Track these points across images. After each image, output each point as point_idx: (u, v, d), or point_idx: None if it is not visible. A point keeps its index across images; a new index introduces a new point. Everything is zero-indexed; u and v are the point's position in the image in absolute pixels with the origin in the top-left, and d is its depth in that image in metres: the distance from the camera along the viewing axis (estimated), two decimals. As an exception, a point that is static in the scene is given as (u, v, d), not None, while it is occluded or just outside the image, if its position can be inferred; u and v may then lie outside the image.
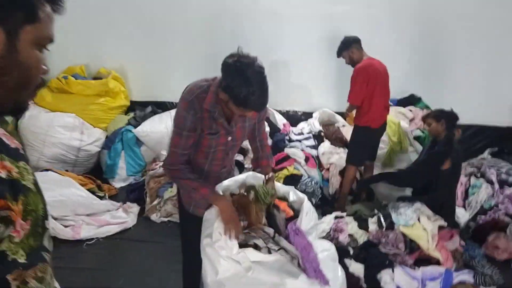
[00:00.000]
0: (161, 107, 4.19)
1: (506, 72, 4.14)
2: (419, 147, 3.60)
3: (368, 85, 3.02)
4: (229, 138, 1.66)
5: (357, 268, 2.59)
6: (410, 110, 3.80)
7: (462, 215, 3.23)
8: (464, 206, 3.35)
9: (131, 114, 4.06)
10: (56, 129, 3.52)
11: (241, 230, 1.57)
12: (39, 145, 3.45)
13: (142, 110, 4.10)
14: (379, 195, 3.52)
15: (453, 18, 4.00)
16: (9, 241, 0.62)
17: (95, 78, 4.05)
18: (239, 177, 1.76)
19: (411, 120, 3.72)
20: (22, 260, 0.64)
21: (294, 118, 4.21)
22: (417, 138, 3.66)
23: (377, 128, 3.18)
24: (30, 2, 0.65)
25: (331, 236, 2.76)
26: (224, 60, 1.46)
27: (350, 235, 2.79)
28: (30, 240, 0.66)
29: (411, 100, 3.97)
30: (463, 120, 4.25)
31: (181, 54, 4.20)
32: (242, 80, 1.40)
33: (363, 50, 3.16)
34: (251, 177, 1.75)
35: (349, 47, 3.13)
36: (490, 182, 3.30)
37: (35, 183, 0.73)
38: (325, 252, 1.64)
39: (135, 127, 3.82)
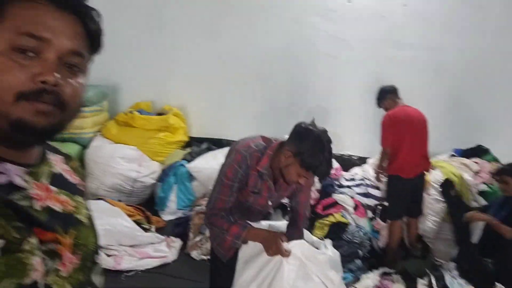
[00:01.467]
0: (216, 144, 4.30)
1: None
2: (483, 203, 3.27)
3: (395, 131, 2.97)
4: (269, 202, 1.69)
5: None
6: (476, 162, 3.49)
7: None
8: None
9: (188, 150, 4.22)
10: (117, 160, 3.76)
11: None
12: (100, 174, 3.69)
13: (198, 146, 4.24)
14: (435, 252, 3.23)
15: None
16: (55, 275, 0.61)
17: (159, 114, 4.30)
18: (264, 223, 1.72)
19: (477, 173, 3.41)
20: None
21: (348, 163, 4.08)
22: (481, 193, 3.33)
23: (410, 179, 3.01)
24: None
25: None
26: (299, 125, 1.55)
27: (396, 296, 2.56)
28: (79, 275, 0.66)
29: (477, 152, 3.66)
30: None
31: (238, 95, 4.34)
32: (318, 147, 1.46)
33: (399, 99, 3.14)
34: (276, 227, 1.71)
35: (384, 97, 3.13)
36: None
37: (89, 218, 0.74)
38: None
39: (190, 162, 3.96)
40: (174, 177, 3.89)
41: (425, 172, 3.14)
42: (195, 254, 3.05)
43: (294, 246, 1.52)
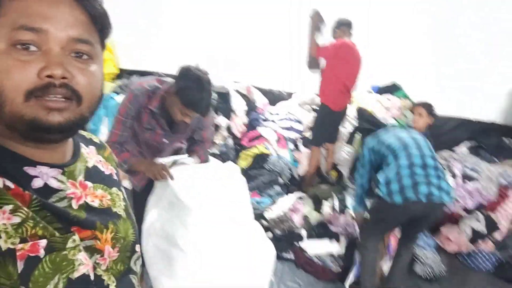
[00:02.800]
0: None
1: (491, 68, 4.11)
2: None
3: (334, 59, 3.09)
4: (165, 140, 1.83)
5: (309, 247, 2.73)
6: (388, 99, 3.83)
7: (424, 205, 3.33)
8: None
9: (118, 82, 4.17)
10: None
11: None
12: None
13: (128, 78, 4.20)
14: (348, 178, 3.62)
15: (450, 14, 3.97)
16: (98, 268, 0.63)
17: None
18: (172, 157, 1.89)
19: (388, 109, 3.76)
20: (112, 286, 0.66)
21: (277, 98, 4.27)
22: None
23: (337, 111, 3.25)
24: None
25: (287, 216, 2.89)
26: (182, 67, 1.66)
27: (305, 216, 2.92)
28: (119, 266, 0.69)
29: (391, 89, 3.99)
30: (446, 112, 4.32)
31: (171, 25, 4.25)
32: (196, 86, 1.59)
33: (349, 35, 3.22)
34: (180, 161, 1.87)
35: (338, 28, 3.23)
36: (455, 175, 3.37)
37: (126, 209, 0.74)
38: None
39: (120, 94, 3.94)
40: (104, 110, 3.89)
41: (347, 107, 3.40)
42: (127, 184, 3.19)
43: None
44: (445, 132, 4.31)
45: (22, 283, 0.52)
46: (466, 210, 3.15)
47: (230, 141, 3.54)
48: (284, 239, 2.72)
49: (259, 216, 2.92)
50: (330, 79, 3.15)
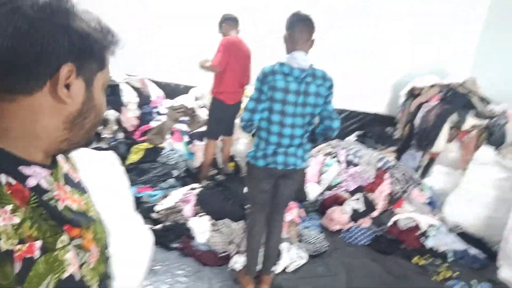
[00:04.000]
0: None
1: (375, 65, 4.50)
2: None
3: (228, 55, 3.16)
4: None
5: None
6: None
7: (314, 190, 3.53)
8: (318, 183, 3.66)
9: None
10: None
11: None
12: None
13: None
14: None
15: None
16: (87, 267, 0.67)
17: None
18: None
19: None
20: (95, 286, 0.69)
21: (175, 91, 4.23)
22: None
23: (232, 105, 3.32)
24: (102, 53, 0.67)
25: (177, 208, 2.87)
26: None
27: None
28: (101, 267, 0.72)
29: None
30: (337, 105, 4.61)
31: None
32: None
33: (236, 29, 3.31)
34: None
35: (223, 22, 3.28)
36: (340, 162, 3.62)
37: (97, 214, 0.79)
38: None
39: None
40: None
41: (241, 100, 3.48)
42: None
43: None
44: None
45: (18, 284, 0.54)
46: (349, 192, 3.40)
47: (121, 135, 3.42)
48: (172, 230, 2.70)
49: (149, 209, 2.87)
50: (224, 75, 3.21)
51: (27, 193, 0.60)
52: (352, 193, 3.37)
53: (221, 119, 3.35)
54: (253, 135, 3.60)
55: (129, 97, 3.57)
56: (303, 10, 2.14)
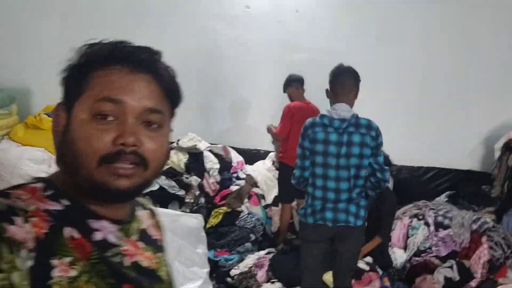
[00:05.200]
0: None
1: (465, 117, 4.23)
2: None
3: (291, 121, 3.23)
4: None
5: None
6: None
7: (400, 256, 3.27)
8: (404, 248, 3.39)
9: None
10: (25, 161, 3.84)
11: None
12: (8, 176, 3.76)
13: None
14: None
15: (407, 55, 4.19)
16: None
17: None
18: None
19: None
20: None
21: (254, 157, 4.39)
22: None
23: None
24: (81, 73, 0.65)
25: (251, 272, 2.86)
26: None
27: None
28: None
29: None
30: (424, 162, 4.37)
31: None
32: None
33: (302, 89, 3.41)
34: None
35: (289, 85, 3.41)
36: (428, 224, 3.34)
37: (168, 274, 0.77)
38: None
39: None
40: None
41: None
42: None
43: None
44: (424, 182, 4.34)
45: None
46: (440, 258, 3.08)
47: (202, 200, 3.60)
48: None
49: (226, 273, 2.90)
50: (288, 140, 3.27)
51: (89, 248, 0.61)
52: (444, 259, 3.04)
53: (289, 182, 3.37)
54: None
55: (211, 163, 3.80)
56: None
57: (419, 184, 4.31)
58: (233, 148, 4.27)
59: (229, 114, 4.48)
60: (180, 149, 3.69)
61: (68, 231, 0.60)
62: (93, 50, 0.65)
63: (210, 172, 3.75)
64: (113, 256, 0.64)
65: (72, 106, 0.63)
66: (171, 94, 0.69)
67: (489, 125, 4.25)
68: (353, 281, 2.65)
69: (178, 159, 3.63)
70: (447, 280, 2.87)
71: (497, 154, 4.03)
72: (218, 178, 3.78)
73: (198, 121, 4.42)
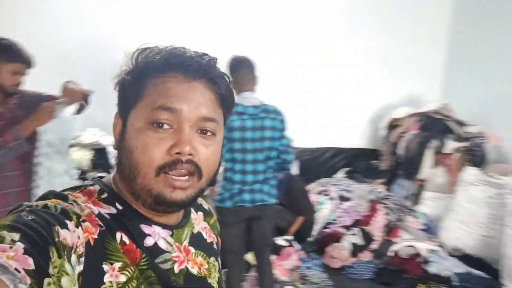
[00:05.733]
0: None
1: (355, 101, 4.69)
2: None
3: None
4: None
5: None
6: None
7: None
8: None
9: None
10: None
11: None
12: None
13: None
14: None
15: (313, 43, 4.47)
16: None
17: None
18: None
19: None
20: None
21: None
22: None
23: None
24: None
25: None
26: None
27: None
28: None
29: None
30: (322, 143, 4.74)
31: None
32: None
33: None
34: None
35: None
36: (332, 198, 3.67)
37: (219, 281, 0.75)
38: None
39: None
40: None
41: None
42: None
43: None
44: (324, 161, 4.70)
45: None
46: (345, 227, 3.41)
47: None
48: None
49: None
50: None
51: (138, 254, 0.60)
52: (349, 228, 3.38)
53: None
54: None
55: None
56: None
57: (320, 163, 4.68)
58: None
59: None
60: (83, 145, 3.43)
61: (119, 236, 0.60)
62: (149, 58, 0.64)
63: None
64: (162, 263, 0.64)
65: (128, 113, 0.64)
66: (225, 102, 0.68)
67: (374, 107, 4.79)
68: (274, 256, 2.80)
69: (81, 156, 3.37)
70: (353, 245, 3.19)
71: (382, 132, 4.58)
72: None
73: (99, 115, 4.15)
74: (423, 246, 3.15)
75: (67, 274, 0.51)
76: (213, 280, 0.73)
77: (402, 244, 3.16)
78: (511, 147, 3.83)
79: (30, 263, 0.47)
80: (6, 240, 0.47)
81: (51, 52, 3.84)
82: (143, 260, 0.61)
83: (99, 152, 3.52)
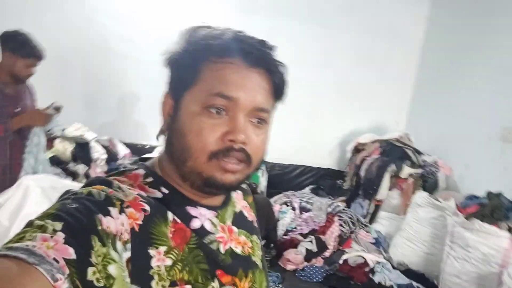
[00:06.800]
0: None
1: (325, 125, 5.07)
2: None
3: None
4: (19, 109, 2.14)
5: None
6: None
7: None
8: (275, 230, 3.94)
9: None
10: None
11: None
12: None
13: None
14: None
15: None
16: None
17: None
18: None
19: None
20: None
21: (142, 152, 4.53)
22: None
23: None
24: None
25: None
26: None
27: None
28: None
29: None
30: (293, 161, 5.05)
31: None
32: (22, 36, 1.99)
33: None
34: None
35: None
36: (294, 208, 3.96)
37: (262, 259, 0.75)
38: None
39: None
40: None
41: None
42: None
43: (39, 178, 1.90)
44: (293, 177, 5.01)
45: None
46: (303, 235, 3.69)
47: (89, 188, 3.61)
48: None
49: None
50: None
51: (189, 233, 0.61)
52: (306, 236, 3.66)
53: None
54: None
55: (98, 154, 3.84)
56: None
57: (289, 179, 4.99)
58: (120, 142, 4.35)
59: (117, 108, 4.55)
60: (66, 138, 3.66)
61: (171, 215, 0.61)
62: (208, 39, 0.63)
63: (97, 162, 3.79)
64: (210, 243, 0.65)
65: (181, 95, 0.64)
66: (279, 91, 0.68)
67: (343, 132, 5.17)
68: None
69: (64, 148, 3.60)
70: (308, 251, 3.47)
71: (348, 155, 4.94)
72: (106, 168, 3.84)
73: (84, 113, 4.40)
74: (371, 257, 3.45)
75: (115, 261, 0.50)
76: (256, 258, 0.73)
77: (352, 254, 3.45)
78: (459, 177, 4.23)
79: (71, 253, 0.46)
80: (48, 230, 0.47)
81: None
82: (193, 239, 0.61)
83: (81, 146, 3.75)
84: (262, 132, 0.66)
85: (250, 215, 0.78)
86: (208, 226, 0.66)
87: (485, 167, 3.95)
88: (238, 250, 0.69)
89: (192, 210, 0.65)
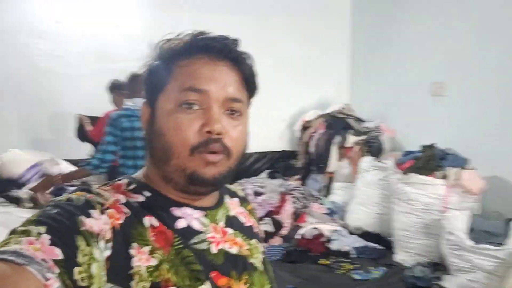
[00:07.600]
0: None
1: (274, 108, 5.13)
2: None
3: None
4: None
5: None
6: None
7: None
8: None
9: None
10: None
11: None
12: None
13: None
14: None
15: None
16: None
17: None
18: None
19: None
20: None
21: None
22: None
23: None
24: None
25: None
26: None
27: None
28: None
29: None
30: (248, 149, 5.11)
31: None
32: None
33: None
34: None
35: (112, 91, 3.62)
36: (248, 194, 4.03)
37: (263, 262, 0.73)
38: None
39: None
40: None
41: None
42: None
43: None
44: (249, 165, 5.07)
45: None
46: (259, 218, 3.76)
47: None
48: None
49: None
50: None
51: (170, 235, 0.61)
52: (262, 218, 3.73)
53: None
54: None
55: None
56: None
57: (246, 167, 5.04)
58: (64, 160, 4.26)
59: (51, 127, 4.46)
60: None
61: (148, 220, 0.61)
62: (173, 44, 0.66)
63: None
64: (198, 243, 0.64)
65: (155, 99, 0.66)
66: (249, 82, 0.70)
67: (290, 113, 5.26)
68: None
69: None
70: (266, 232, 3.54)
71: (297, 134, 5.04)
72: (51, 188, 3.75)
73: (21, 136, 4.30)
74: (326, 227, 3.55)
75: (96, 260, 0.51)
76: (256, 260, 0.72)
77: (308, 227, 3.55)
78: (403, 137, 4.40)
79: (58, 253, 0.48)
80: (32, 234, 0.48)
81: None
82: (176, 241, 0.61)
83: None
84: (239, 123, 0.67)
85: (249, 221, 0.79)
86: (196, 226, 0.65)
87: (421, 123, 4.14)
88: (234, 250, 0.69)
89: (176, 211, 0.65)
